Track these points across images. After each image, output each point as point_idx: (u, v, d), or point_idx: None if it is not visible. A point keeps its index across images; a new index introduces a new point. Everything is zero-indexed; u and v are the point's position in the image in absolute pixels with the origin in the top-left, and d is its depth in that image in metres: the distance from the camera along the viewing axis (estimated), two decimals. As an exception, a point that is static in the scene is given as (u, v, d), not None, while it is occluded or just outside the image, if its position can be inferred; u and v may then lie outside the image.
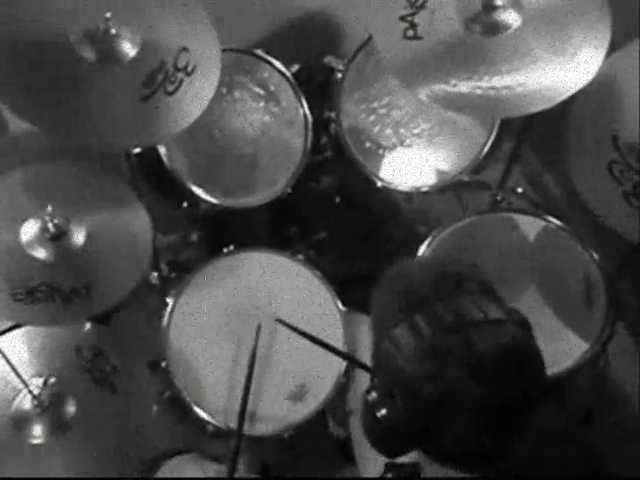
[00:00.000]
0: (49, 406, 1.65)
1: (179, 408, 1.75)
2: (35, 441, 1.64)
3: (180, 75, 1.58)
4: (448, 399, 0.96)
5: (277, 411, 1.70)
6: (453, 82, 1.59)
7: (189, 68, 1.59)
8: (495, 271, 1.82)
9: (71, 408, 1.67)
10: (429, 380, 0.96)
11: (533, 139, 1.97)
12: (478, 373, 0.95)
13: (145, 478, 1.64)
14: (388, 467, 1.10)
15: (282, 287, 1.83)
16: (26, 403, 1.65)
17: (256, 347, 1.66)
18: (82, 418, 1.67)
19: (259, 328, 1.70)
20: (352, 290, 1.90)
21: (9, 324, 1.75)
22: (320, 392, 1.72)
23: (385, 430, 1.01)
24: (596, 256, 1.81)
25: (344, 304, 1.81)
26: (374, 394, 1.02)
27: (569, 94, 1.56)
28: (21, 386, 1.62)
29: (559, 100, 1.55)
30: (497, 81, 1.58)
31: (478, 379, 0.95)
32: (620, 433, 2.02)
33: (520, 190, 2.23)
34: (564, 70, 1.57)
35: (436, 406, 0.96)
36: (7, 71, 1.47)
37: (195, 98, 1.59)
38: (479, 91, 1.58)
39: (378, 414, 1.00)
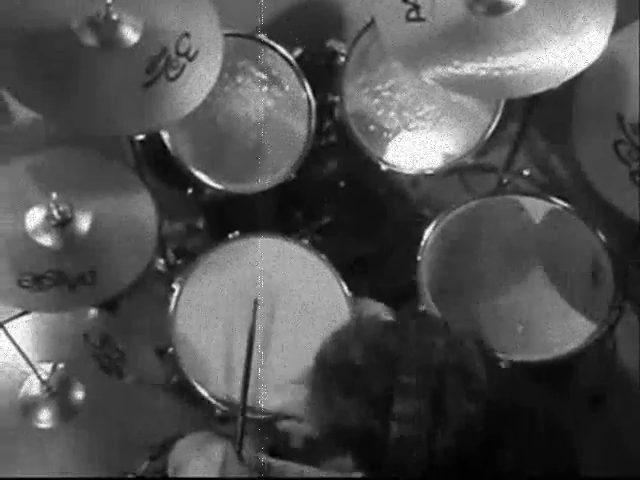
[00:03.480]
0: (57, 391, 1.66)
1: (186, 393, 1.76)
2: (43, 425, 1.65)
3: (182, 61, 1.57)
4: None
5: (283, 395, 1.71)
6: (457, 63, 1.59)
7: (191, 53, 1.59)
8: (502, 254, 1.83)
9: (79, 393, 1.69)
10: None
11: (538, 120, 1.96)
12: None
13: (146, 479, 1.65)
14: None
15: (288, 272, 1.83)
16: (34, 388, 1.67)
17: (254, 321, 1.68)
18: (90, 403, 1.68)
19: (256, 303, 1.71)
20: (358, 274, 1.91)
21: (17, 311, 1.76)
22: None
23: None
24: (603, 237, 1.80)
25: (350, 288, 1.81)
26: None
27: (574, 74, 1.55)
28: (30, 371, 1.63)
29: (564, 80, 1.55)
30: (501, 62, 1.57)
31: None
32: (628, 414, 2.02)
33: (526, 172, 2.22)
34: (568, 50, 1.56)
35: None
36: (10, 59, 1.48)
37: (197, 84, 1.59)
38: (483, 72, 1.57)
39: None
